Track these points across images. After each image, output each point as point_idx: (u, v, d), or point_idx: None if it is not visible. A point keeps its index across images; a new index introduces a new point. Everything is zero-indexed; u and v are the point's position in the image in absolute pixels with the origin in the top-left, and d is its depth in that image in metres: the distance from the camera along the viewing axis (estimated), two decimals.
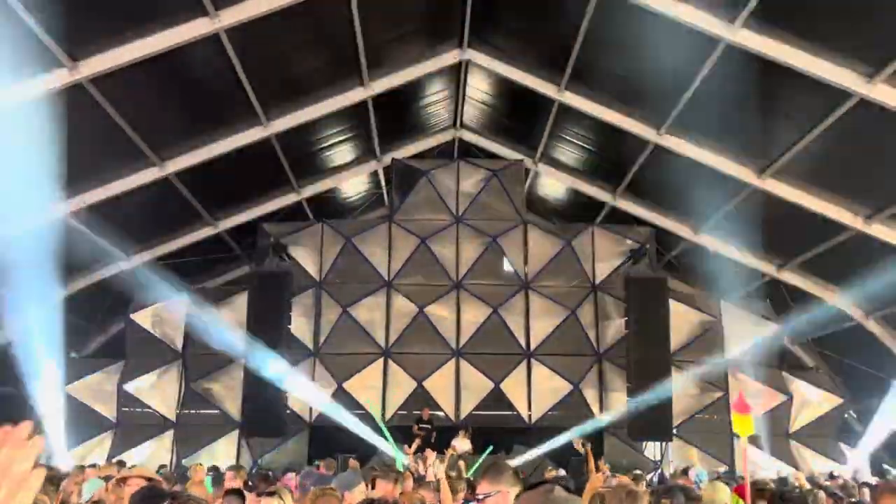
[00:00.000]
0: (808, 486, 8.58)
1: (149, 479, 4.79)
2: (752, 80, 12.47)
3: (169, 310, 17.35)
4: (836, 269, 16.14)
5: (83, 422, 16.58)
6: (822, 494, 7.46)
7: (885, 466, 16.55)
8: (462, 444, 14.84)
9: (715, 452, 16.49)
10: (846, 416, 17.89)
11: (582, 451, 9.12)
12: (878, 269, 15.07)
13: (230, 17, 11.70)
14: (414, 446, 7.30)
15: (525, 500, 1.91)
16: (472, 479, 7.77)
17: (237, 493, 5.39)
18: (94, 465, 11.41)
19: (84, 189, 14.06)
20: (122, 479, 4.96)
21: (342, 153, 18.31)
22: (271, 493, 3.57)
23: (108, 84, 11.85)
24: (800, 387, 17.40)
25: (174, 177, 14.94)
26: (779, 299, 17.57)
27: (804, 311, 17.44)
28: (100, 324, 18.06)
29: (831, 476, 11.41)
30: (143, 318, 17.13)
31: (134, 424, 16.70)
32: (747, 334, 17.45)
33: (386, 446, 13.43)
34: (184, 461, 15.66)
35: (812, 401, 17.37)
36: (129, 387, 16.58)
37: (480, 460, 12.32)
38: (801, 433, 17.17)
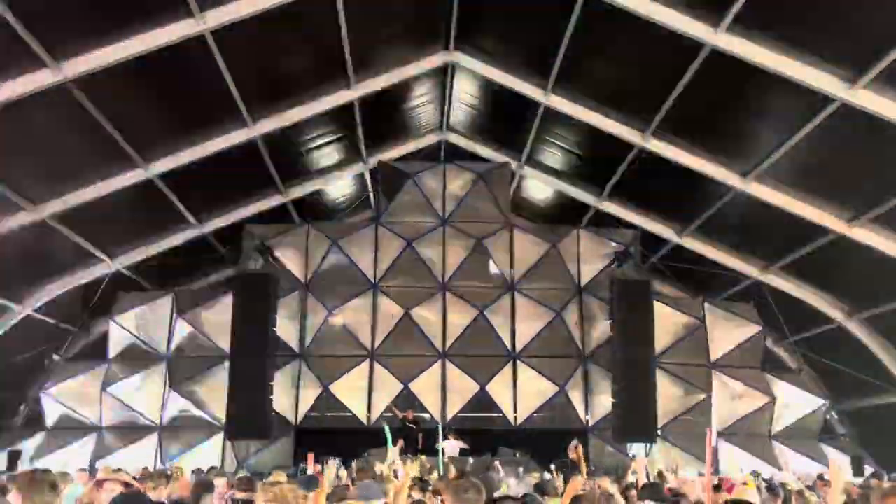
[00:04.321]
0: (796, 487, 8.61)
1: (126, 484, 4.75)
2: (735, 85, 12.58)
3: (153, 312, 17.23)
4: (819, 272, 16.30)
5: (66, 425, 16.45)
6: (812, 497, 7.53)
7: (867, 467, 16.70)
8: (450, 446, 14.82)
9: (699, 454, 16.56)
10: (828, 417, 18.05)
11: (574, 457, 9.10)
12: (859, 272, 15.28)
13: (216, 18, 11.65)
14: (398, 447, 7.30)
15: None
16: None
17: None
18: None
19: (67, 190, 13.94)
20: (99, 482, 4.92)
21: (328, 155, 18.27)
22: (248, 502, 3.51)
23: (91, 85, 11.75)
24: (782, 388, 17.54)
25: (158, 178, 14.85)
26: (762, 302, 17.72)
27: (787, 313, 17.64)
28: (83, 326, 17.90)
29: (821, 478, 11.45)
30: (127, 320, 17.01)
31: (118, 427, 16.56)
32: (731, 336, 17.59)
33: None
34: (168, 464, 15.55)
35: (794, 402, 17.52)
36: (113, 389, 16.45)
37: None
38: (784, 434, 17.31)
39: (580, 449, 8.23)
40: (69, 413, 16.47)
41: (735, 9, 10.98)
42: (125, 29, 11.29)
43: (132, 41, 11.41)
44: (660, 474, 9.59)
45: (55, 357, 17.46)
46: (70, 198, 14.03)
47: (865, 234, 14.02)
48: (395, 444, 8.07)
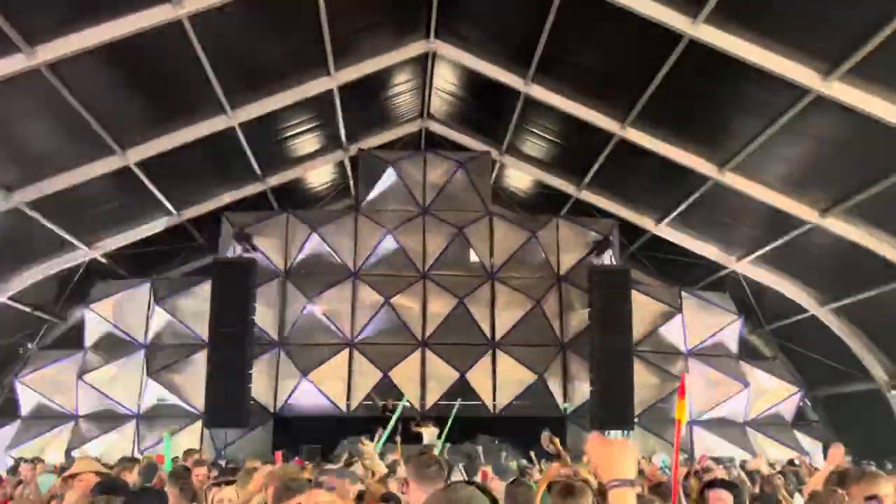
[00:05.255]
0: (766, 471, 8.79)
1: (99, 473, 4.74)
2: (713, 76, 12.69)
3: (130, 300, 17.10)
4: (793, 262, 16.56)
5: (41, 414, 16.30)
6: (777, 480, 7.68)
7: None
8: (428, 434, 14.92)
9: (674, 440, 16.80)
10: (801, 404, 18.37)
11: (552, 450, 9.15)
12: (832, 262, 15.56)
13: (193, 3, 11.52)
14: (377, 437, 7.34)
15: (430, 499, 1.93)
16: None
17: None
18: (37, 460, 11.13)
19: (42, 177, 13.76)
20: (72, 475, 4.85)
21: (308, 143, 18.18)
22: (229, 482, 3.55)
23: (66, 70, 11.58)
24: (757, 376, 17.81)
25: (136, 166, 14.70)
26: (738, 291, 17.96)
27: (762, 302, 17.91)
28: (59, 314, 17.72)
29: (791, 463, 11.71)
30: (103, 308, 16.85)
31: (94, 416, 16.45)
32: (708, 325, 17.82)
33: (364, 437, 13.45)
34: (145, 453, 15.48)
35: (768, 389, 17.80)
36: (90, 378, 16.32)
37: (433, 441, 12.39)
38: (758, 421, 17.59)
39: (556, 441, 8.26)
40: (45, 402, 16.31)
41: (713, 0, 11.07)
42: (101, 13, 11.12)
43: (108, 26, 11.24)
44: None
45: (30, 345, 17.29)
46: (45, 185, 13.85)
47: (838, 225, 14.25)
48: (374, 434, 8.11)
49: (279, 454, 9.13)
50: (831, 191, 13.96)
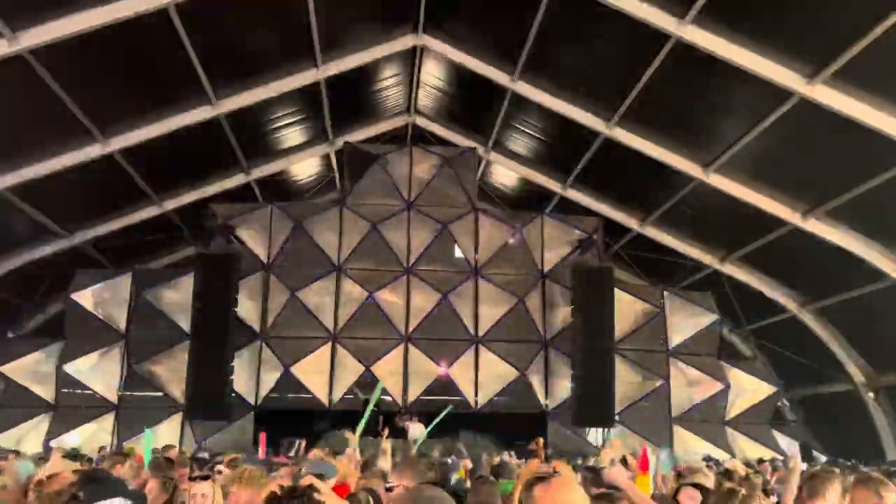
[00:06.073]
0: (743, 471, 8.88)
1: (77, 472, 4.66)
2: (699, 77, 12.78)
3: (112, 290, 16.94)
4: (775, 263, 16.71)
5: (19, 403, 16.13)
6: (757, 481, 7.76)
7: (816, 454, 17.23)
8: (415, 429, 14.91)
9: (655, 439, 16.91)
10: (779, 403, 18.55)
11: (534, 448, 9.31)
12: (813, 264, 15.71)
13: None
14: (358, 431, 7.31)
15: (395, 499, 1.96)
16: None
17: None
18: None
19: (23, 164, 13.60)
20: (50, 476, 4.71)
21: (293, 135, 18.09)
22: (205, 477, 3.52)
23: (49, 56, 11.45)
24: (737, 375, 17.95)
25: (119, 154, 14.57)
26: (720, 291, 18.10)
27: (743, 302, 18.06)
28: (38, 303, 17.53)
29: (760, 461, 11.84)
30: (84, 297, 16.68)
31: (73, 406, 16.30)
32: (689, 324, 17.95)
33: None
34: (125, 444, 15.37)
35: (748, 389, 17.95)
36: (69, 368, 16.17)
37: (421, 438, 12.39)
38: (737, 420, 17.74)
39: (541, 442, 8.37)
40: (23, 391, 16.13)
41: (701, 1, 11.13)
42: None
43: (93, 12, 11.14)
44: (624, 460, 9.78)
45: (9, 334, 17.10)
46: (27, 171, 13.70)
47: (819, 227, 14.39)
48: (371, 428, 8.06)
49: (263, 435, 9.04)
50: (813, 193, 14.10)
